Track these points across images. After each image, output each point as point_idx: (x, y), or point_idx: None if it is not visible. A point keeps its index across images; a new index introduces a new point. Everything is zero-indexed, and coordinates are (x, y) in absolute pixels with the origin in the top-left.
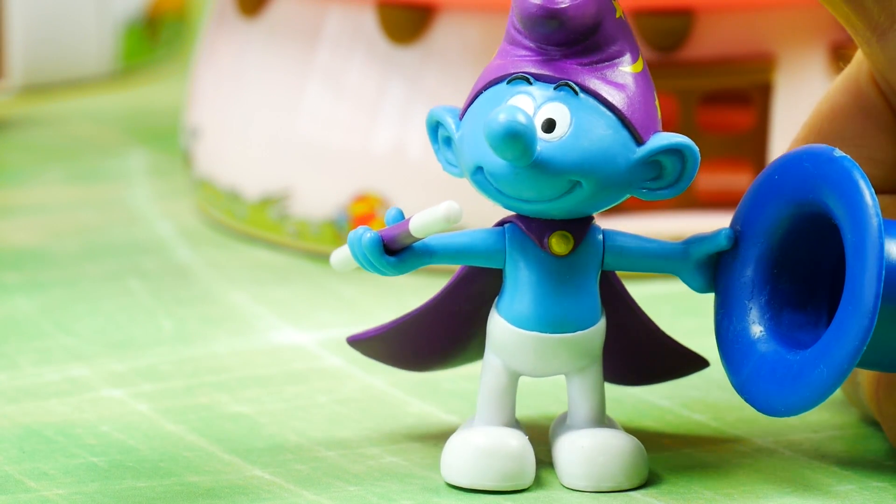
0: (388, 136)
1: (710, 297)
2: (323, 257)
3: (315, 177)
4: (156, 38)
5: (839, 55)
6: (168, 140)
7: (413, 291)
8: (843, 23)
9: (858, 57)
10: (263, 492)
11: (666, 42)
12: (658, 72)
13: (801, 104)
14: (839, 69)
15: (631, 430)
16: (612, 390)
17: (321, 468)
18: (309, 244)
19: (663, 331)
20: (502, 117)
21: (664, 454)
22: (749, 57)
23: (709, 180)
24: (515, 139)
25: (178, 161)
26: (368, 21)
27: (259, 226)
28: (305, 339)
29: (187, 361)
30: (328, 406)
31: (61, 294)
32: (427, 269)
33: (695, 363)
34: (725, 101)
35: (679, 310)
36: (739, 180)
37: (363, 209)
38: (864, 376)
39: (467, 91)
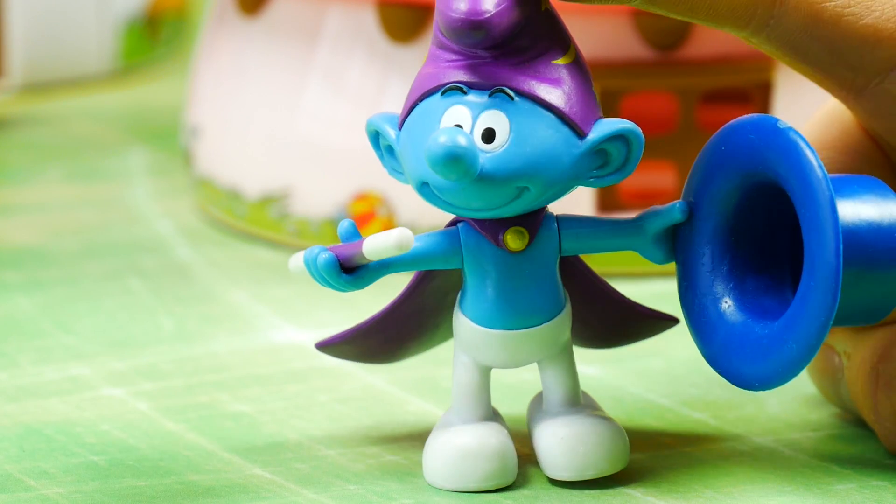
0: None
1: None
2: None
3: (315, 175)
4: (156, 37)
5: None
6: (168, 139)
7: None
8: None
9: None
10: (263, 490)
11: (666, 41)
12: (658, 71)
13: (800, 103)
14: None
15: (630, 429)
16: (610, 389)
17: (321, 467)
18: (309, 243)
19: (627, 297)
20: (443, 139)
21: (664, 453)
22: (749, 56)
23: None
24: (457, 162)
25: (178, 160)
26: (368, 20)
27: (259, 224)
28: (305, 338)
29: (187, 360)
30: (328, 405)
31: (61, 293)
32: None
33: (663, 322)
34: (725, 99)
35: (678, 309)
36: None
37: (363, 208)
38: (854, 376)
39: None
